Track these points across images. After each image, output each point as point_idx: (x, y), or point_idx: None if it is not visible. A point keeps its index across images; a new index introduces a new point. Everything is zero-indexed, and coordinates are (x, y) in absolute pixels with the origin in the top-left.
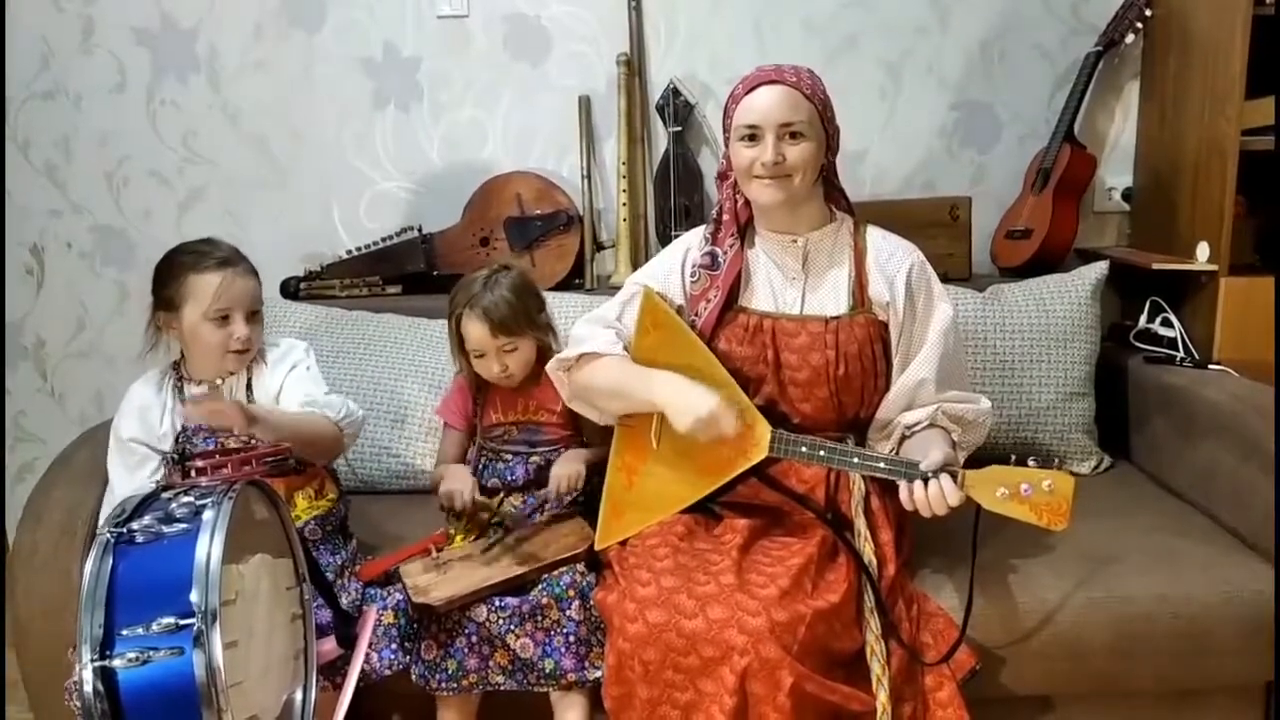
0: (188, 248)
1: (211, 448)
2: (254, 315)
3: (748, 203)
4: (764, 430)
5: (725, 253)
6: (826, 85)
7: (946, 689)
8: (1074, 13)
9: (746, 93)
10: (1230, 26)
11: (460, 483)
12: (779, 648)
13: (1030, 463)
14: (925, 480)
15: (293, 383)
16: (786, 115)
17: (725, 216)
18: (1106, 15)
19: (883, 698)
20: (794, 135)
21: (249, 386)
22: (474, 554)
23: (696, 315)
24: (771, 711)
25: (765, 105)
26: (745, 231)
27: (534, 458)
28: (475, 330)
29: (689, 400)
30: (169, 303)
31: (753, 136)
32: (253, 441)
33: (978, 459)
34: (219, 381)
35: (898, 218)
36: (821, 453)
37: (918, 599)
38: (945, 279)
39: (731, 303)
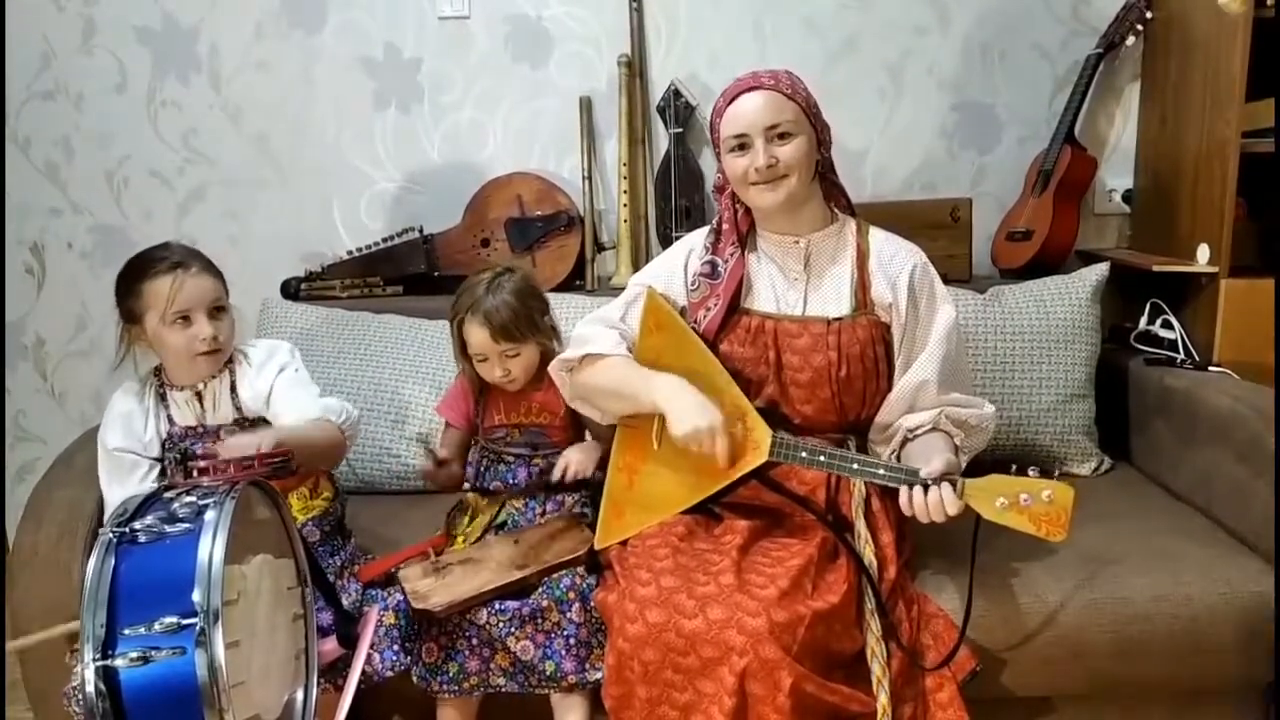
0: (140, 256)
1: (199, 450)
2: (218, 312)
3: (748, 212)
4: (764, 434)
5: (726, 261)
6: (827, 86)
7: (947, 690)
8: (1074, 14)
9: (728, 104)
10: (1230, 29)
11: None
12: (778, 648)
13: (1030, 472)
14: (925, 488)
15: (283, 386)
16: (772, 117)
17: (725, 226)
18: (1107, 17)
19: (883, 699)
20: (782, 136)
21: (233, 389)
22: (473, 557)
23: (696, 323)
24: (771, 712)
25: (749, 111)
26: (747, 239)
27: (536, 460)
28: (477, 335)
29: (689, 410)
30: (131, 314)
31: (742, 145)
32: None
33: (978, 461)
34: (201, 386)
35: (898, 219)
36: (821, 458)
37: (918, 601)
38: (946, 280)
39: (733, 309)
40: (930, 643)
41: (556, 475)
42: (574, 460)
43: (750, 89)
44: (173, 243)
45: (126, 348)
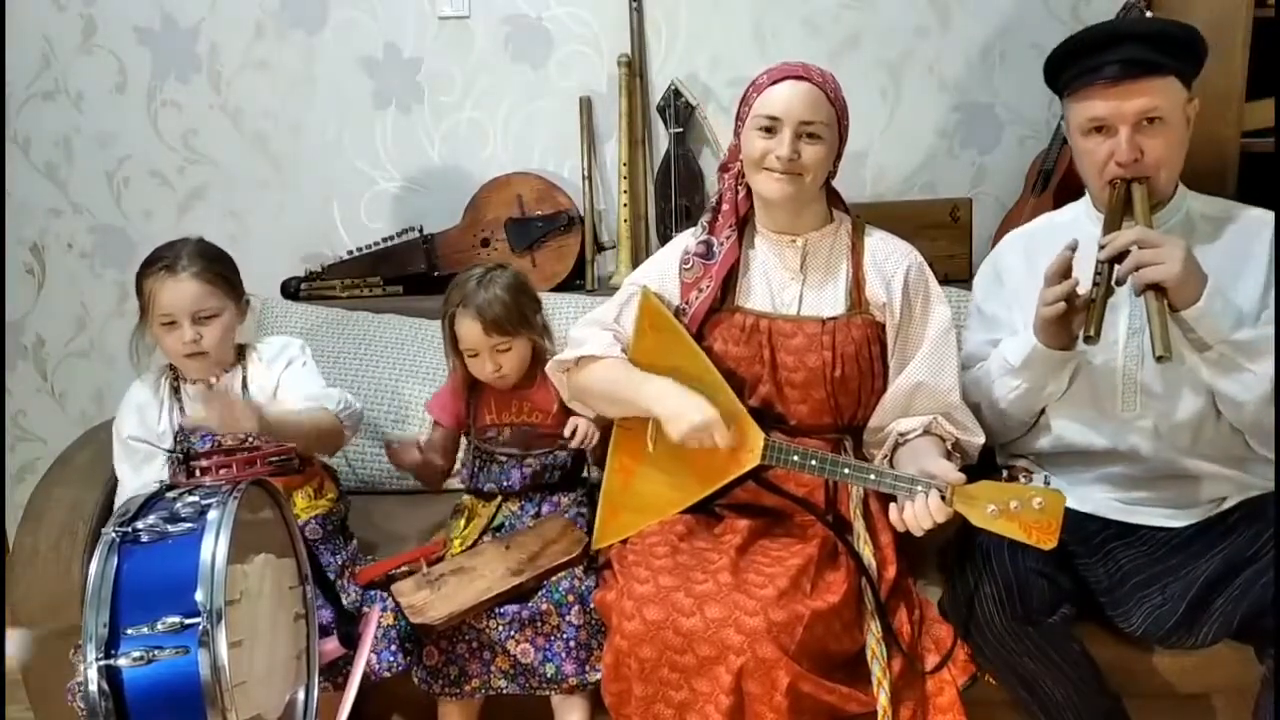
0: (153, 251)
1: (208, 447)
2: (205, 319)
3: (748, 195)
4: (756, 437)
5: (721, 243)
6: None
7: (947, 694)
8: (1074, 14)
9: (772, 83)
10: (1231, 28)
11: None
12: (775, 648)
13: (1021, 479)
14: (913, 496)
15: (290, 379)
16: (809, 114)
17: (725, 207)
18: (1107, 16)
19: (883, 700)
20: (812, 135)
21: (245, 384)
22: (465, 566)
23: (687, 304)
24: (768, 711)
25: (790, 99)
26: (744, 227)
27: (529, 460)
28: (468, 329)
29: (682, 408)
30: (141, 308)
31: (770, 128)
32: (251, 441)
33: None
34: (213, 380)
35: (899, 219)
36: (813, 462)
37: (921, 605)
38: (946, 281)
39: (725, 295)
40: (931, 647)
41: (567, 433)
42: (582, 423)
43: (800, 77)
44: (189, 240)
45: (135, 340)
